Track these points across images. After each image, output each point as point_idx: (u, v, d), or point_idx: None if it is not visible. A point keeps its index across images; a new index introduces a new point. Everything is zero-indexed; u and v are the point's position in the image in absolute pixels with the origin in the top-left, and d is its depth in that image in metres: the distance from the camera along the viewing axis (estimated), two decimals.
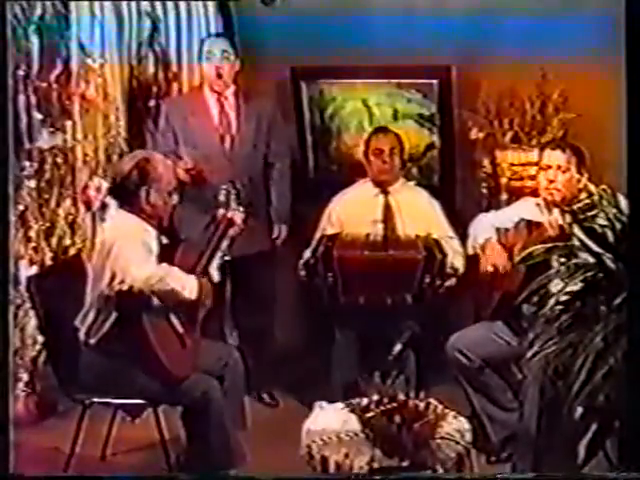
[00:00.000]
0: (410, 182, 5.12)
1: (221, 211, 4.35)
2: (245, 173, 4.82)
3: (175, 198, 4.19)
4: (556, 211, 4.27)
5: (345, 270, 4.76)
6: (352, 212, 4.99)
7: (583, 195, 4.16)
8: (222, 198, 4.37)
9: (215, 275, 4.24)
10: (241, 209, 4.36)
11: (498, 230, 4.44)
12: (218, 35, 5.08)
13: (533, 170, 4.60)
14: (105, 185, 4.87)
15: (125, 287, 3.93)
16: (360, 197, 5.03)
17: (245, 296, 5.01)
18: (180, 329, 4.10)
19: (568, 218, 3.99)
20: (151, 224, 4.11)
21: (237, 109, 4.91)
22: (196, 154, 4.83)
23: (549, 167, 4.34)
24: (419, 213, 4.95)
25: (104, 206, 4.87)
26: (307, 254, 4.90)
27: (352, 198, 5.04)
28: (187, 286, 4.01)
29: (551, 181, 4.32)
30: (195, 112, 4.91)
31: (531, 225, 4.31)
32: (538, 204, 4.41)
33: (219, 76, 4.84)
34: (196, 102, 4.94)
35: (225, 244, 4.30)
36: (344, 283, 4.77)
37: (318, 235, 4.98)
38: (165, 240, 4.18)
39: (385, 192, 4.99)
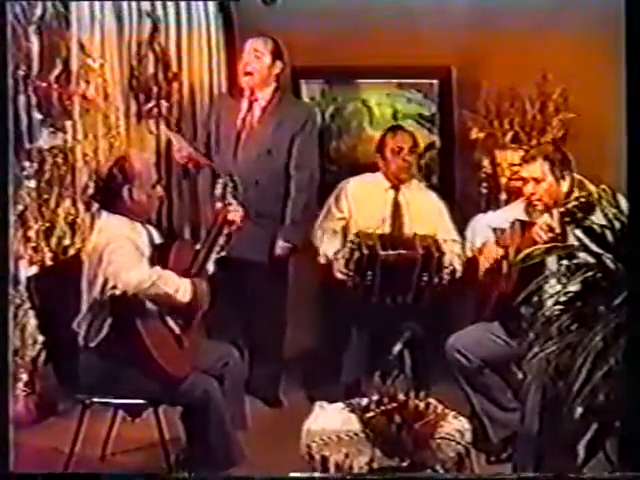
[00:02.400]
0: (421, 183, 5.13)
1: (217, 206, 4.31)
2: (252, 175, 4.80)
3: (159, 190, 4.19)
4: (546, 214, 4.28)
5: (384, 269, 4.76)
6: (361, 204, 4.99)
7: (574, 195, 4.17)
8: (219, 191, 4.32)
9: (211, 272, 4.23)
10: (237, 204, 4.30)
11: (495, 231, 4.44)
12: (263, 35, 4.96)
13: None
14: None
15: (117, 292, 3.93)
16: (371, 188, 5.01)
17: (253, 298, 4.99)
18: (177, 330, 4.08)
19: (557, 219, 4.03)
20: (140, 222, 4.11)
21: (263, 110, 4.92)
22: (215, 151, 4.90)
23: (527, 180, 4.35)
24: (426, 213, 4.96)
25: None
26: (332, 251, 4.88)
27: (363, 187, 5.02)
28: (180, 289, 3.99)
29: (532, 193, 4.33)
30: (227, 107, 4.98)
31: (525, 226, 4.31)
32: (528, 207, 4.41)
33: (247, 74, 4.87)
34: (232, 98, 5.01)
35: (222, 241, 4.28)
36: (382, 282, 4.78)
37: (331, 225, 4.98)
38: (158, 239, 4.18)
39: (396, 188, 4.99)
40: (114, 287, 3.93)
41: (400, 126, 5.13)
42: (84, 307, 4.07)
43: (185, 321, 4.11)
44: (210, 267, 4.23)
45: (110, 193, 4.09)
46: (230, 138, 4.91)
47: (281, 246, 4.93)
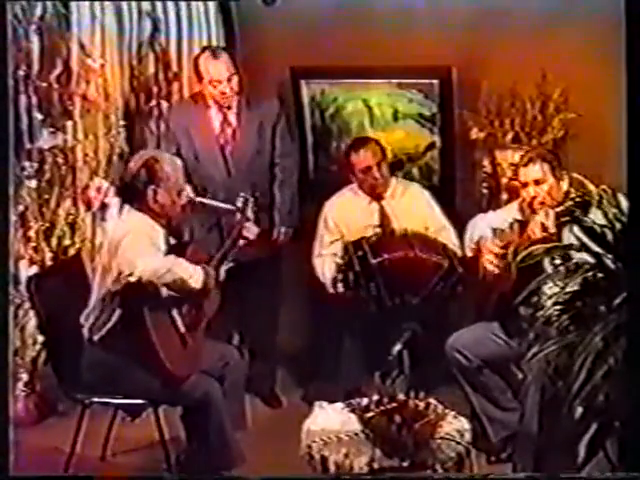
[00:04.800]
0: (399, 178, 5.12)
1: (237, 218, 4.30)
2: (248, 181, 4.78)
3: (184, 198, 4.18)
4: (541, 212, 4.28)
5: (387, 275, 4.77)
6: (349, 219, 4.99)
7: (572, 194, 4.18)
8: (239, 205, 4.31)
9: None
10: (253, 219, 4.31)
11: (494, 231, 4.43)
12: (215, 55, 4.81)
13: None
14: (105, 185, 4.88)
15: (133, 279, 3.89)
16: (354, 204, 5.03)
17: (250, 298, 4.98)
18: (182, 329, 4.09)
19: (553, 218, 4.03)
20: (160, 223, 4.10)
21: (238, 117, 4.88)
22: (196, 169, 4.80)
23: (527, 184, 4.36)
24: (415, 212, 4.98)
25: (104, 206, 4.87)
26: (332, 268, 4.87)
27: (346, 205, 5.04)
28: (194, 275, 3.98)
29: (534, 197, 4.33)
30: (196, 121, 4.88)
31: (524, 225, 4.32)
32: (527, 207, 4.41)
33: (224, 98, 4.81)
34: (198, 110, 4.89)
35: (234, 252, 4.27)
36: (387, 287, 4.78)
37: (329, 243, 4.97)
38: (173, 241, 4.16)
39: (379, 199, 5.00)
40: (130, 275, 3.90)
41: (361, 139, 5.09)
42: (94, 300, 4.06)
43: (191, 320, 4.11)
44: (222, 274, 4.21)
45: (136, 190, 4.07)
46: (214, 150, 4.85)
47: (280, 231, 4.93)
